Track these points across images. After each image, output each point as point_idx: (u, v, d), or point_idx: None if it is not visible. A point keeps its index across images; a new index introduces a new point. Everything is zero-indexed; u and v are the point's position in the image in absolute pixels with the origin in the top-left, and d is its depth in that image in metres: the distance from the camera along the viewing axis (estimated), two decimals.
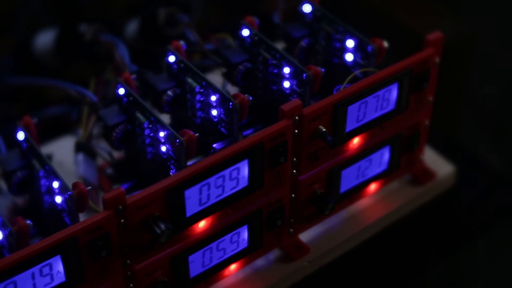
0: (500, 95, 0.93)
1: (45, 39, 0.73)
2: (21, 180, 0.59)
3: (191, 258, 0.57)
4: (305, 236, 0.64)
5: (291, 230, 0.63)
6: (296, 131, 0.58)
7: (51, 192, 0.57)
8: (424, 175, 0.69)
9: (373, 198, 0.67)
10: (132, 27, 0.75)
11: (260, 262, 0.62)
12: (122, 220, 0.52)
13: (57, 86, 0.66)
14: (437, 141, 0.71)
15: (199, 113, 0.63)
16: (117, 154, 0.67)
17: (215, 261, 0.59)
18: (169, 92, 0.64)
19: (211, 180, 0.55)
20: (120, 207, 0.52)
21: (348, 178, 0.63)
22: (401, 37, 0.66)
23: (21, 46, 0.74)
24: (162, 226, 0.53)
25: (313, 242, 0.63)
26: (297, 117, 0.57)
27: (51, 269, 0.51)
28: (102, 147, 0.67)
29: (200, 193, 0.55)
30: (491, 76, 0.88)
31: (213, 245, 0.58)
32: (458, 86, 0.86)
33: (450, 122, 0.83)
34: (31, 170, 0.59)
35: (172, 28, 0.73)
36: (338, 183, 0.63)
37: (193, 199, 0.55)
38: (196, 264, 0.58)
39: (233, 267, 0.61)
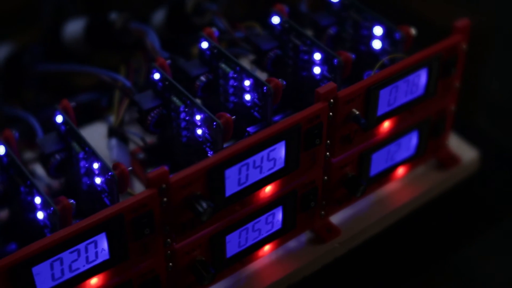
0: None
1: (74, 27, 0.74)
2: (59, 162, 0.60)
3: (228, 238, 0.58)
4: (335, 219, 0.65)
5: (323, 212, 0.64)
6: (330, 113, 0.59)
7: (91, 174, 0.58)
8: (449, 160, 0.71)
9: (400, 182, 0.68)
10: (159, 16, 0.76)
11: (292, 243, 0.64)
12: (165, 199, 0.54)
13: (90, 72, 0.67)
14: (460, 126, 0.73)
15: (232, 98, 0.64)
16: (148, 139, 0.69)
17: (250, 242, 0.60)
18: (202, 78, 0.65)
19: (250, 160, 0.56)
20: (164, 185, 0.53)
21: (378, 162, 0.65)
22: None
23: (49, 35, 0.75)
24: (204, 205, 0.54)
25: (344, 224, 0.65)
26: (332, 100, 0.59)
27: (96, 246, 0.52)
28: (134, 132, 0.69)
29: (240, 173, 0.56)
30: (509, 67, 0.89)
31: (249, 225, 0.59)
32: (474, 76, 0.87)
33: (467, 111, 0.84)
34: (69, 152, 0.61)
35: (199, 17, 0.74)
36: (368, 166, 0.64)
37: (232, 179, 0.56)
38: (233, 244, 0.59)
39: (267, 248, 0.62)
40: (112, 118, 0.69)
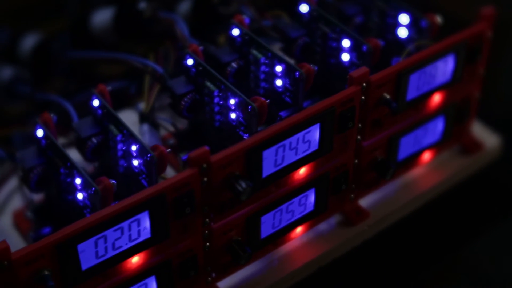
0: None
1: (103, 17, 0.75)
2: (96, 146, 0.61)
3: (263, 218, 0.60)
4: (364, 202, 0.67)
5: (352, 195, 0.65)
6: (363, 97, 0.60)
7: (128, 156, 0.59)
8: (472, 146, 0.72)
9: (426, 167, 0.70)
10: (184, 6, 0.78)
11: (322, 226, 0.65)
12: (205, 179, 0.55)
13: (122, 59, 0.69)
14: (483, 113, 0.74)
15: (262, 84, 0.65)
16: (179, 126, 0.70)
17: (284, 223, 0.61)
18: (233, 64, 0.66)
19: (287, 142, 0.57)
20: (204, 165, 0.54)
21: (406, 146, 0.66)
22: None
23: (77, 25, 0.76)
24: (244, 184, 0.55)
25: (372, 207, 0.66)
26: (364, 84, 0.60)
27: (139, 224, 0.53)
28: (164, 118, 0.70)
29: (276, 154, 0.57)
30: None
31: (283, 206, 0.60)
32: (496, 63, 0.88)
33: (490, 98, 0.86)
34: (105, 136, 0.62)
35: (225, 7, 0.75)
36: (397, 150, 0.66)
37: (269, 160, 0.57)
38: (267, 225, 0.61)
39: (298, 230, 0.63)
40: (142, 105, 0.70)
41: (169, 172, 0.69)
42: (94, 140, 0.61)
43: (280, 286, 0.63)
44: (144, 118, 0.69)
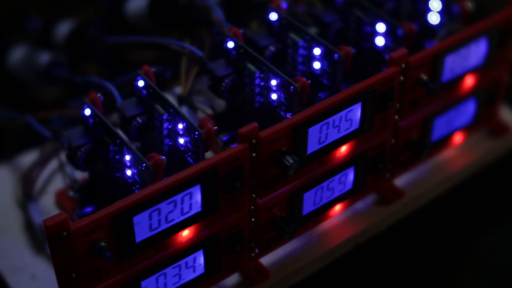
0: None
1: (138, 3, 0.77)
2: (141, 125, 0.62)
3: (306, 195, 0.61)
4: (398, 182, 0.68)
5: (388, 175, 0.67)
6: (401, 78, 0.62)
7: (174, 134, 0.61)
8: (500, 129, 0.74)
9: (457, 148, 0.72)
10: None
11: (359, 205, 0.67)
12: (254, 154, 0.56)
13: (161, 43, 0.70)
14: (510, 96, 0.76)
15: (300, 67, 0.67)
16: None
17: (324, 200, 0.63)
18: (271, 48, 0.68)
19: (331, 119, 0.59)
20: (254, 141, 0.56)
21: (440, 127, 0.68)
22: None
23: (112, 11, 0.78)
24: (291, 159, 0.57)
25: (407, 187, 0.68)
26: (403, 65, 0.62)
27: (191, 198, 0.55)
28: (202, 101, 0.71)
29: (320, 131, 0.59)
30: None
31: (325, 184, 0.62)
32: None
33: None
34: (149, 115, 0.63)
35: None
36: (431, 131, 0.67)
37: (314, 137, 0.59)
38: (309, 202, 0.62)
39: (337, 208, 0.65)
40: (178, 89, 0.72)
41: (208, 154, 0.71)
42: (139, 119, 0.63)
43: (319, 263, 0.65)
44: (182, 100, 0.70)
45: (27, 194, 0.67)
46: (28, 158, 0.71)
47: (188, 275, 0.58)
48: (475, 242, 0.71)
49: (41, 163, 0.68)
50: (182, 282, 0.58)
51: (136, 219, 0.53)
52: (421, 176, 0.69)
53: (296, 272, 0.63)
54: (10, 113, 0.70)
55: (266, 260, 0.63)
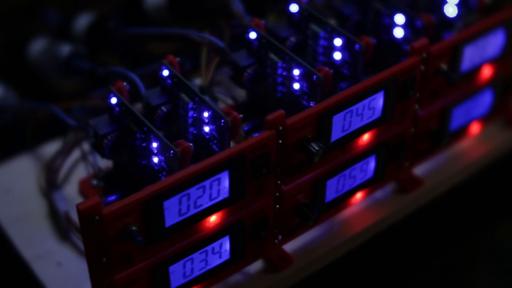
0: None
1: None
2: (165, 114, 0.63)
3: (328, 182, 0.62)
4: (417, 171, 0.69)
5: (407, 164, 0.68)
6: (422, 67, 0.63)
7: (199, 123, 0.61)
8: None
9: (474, 138, 0.73)
10: None
11: (379, 193, 0.68)
12: (280, 141, 0.57)
13: (181, 34, 0.71)
14: None
15: (321, 57, 0.68)
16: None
17: (346, 188, 0.64)
18: (292, 39, 0.69)
19: (354, 108, 0.60)
20: (280, 128, 0.57)
21: (458, 117, 0.69)
22: None
23: (130, 3, 0.79)
24: (316, 146, 0.58)
25: (426, 176, 0.69)
26: (424, 54, 0.63)
27: (219, 183, 0.56)
28: (223, 91, 0.72)
29: (344, 119, 0.60)
30: None
31: (347, 171, 0.63)
32: None
33: None
34: (174, 104, 0.64)
35: None
36: (450, 120, 0.68)
37: (338, 125, 0.60)
38: (331, 189, 0.63)
39: (358, 196, 0.66)
40: (198, 80, 0.72)
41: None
42: (164, 108, 0.63)
43: (340, 250, 0.65)
44: (203, 91, 0.71)
45: (51, 183, 0.68)
46: (51, 148, 0.71)
47: (214, 261, 0.59)
48: (483, 235, 0.72)
49: (64, 152, 0.69)
50: (208, 267, 0.59)
51: (167, 203, 0.54)
52: (439, 166, 0.70)
53: (319, 259, 0.64)
54: (33, 103, 0.71)
55: (289, 247, 0.63)
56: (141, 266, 0.55)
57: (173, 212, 0.55)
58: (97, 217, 0.51)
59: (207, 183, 0.55)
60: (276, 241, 0.62)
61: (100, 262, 0.53)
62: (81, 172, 0.69)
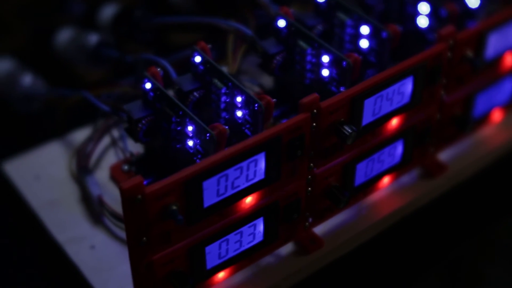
0: None
1: None
2: (198, 99, 0.64)
3: (358, 166, 0.64)
4: (442, 156, 0.71)
5: (433, 149, 0.69)
6: (449, 54, 0.65)
7: (232, 107, 0.63)
8: None
9: (495, 126, 0.74)
10: None
11: (405, 178, 0.69)
12: (314, 124, 0.59)
13: (211, 23, 0.72)
14: None
15: (347, 45, 0.69)
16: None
17: (374, 172, 0.65)
18: (319, 27, 0.70)
19: (384, 92, 0.61)
20: (315, 110, 0.58)
21: (481, 104, 0.71)
22: None
23: None
24: (349, 129, 0.59)
25: (450, 161, 0.71)
26: (451, 41, 0.64)
27: (256, 165, 0.57)
28: (249, 79, 0.73)
29: (375, 103, 0.61)
30: None
31: (376, 156, 0.64)
32: None
33: None
34: (206, 90, 0.65)
35: None
36: (473, 106, 0.70)
37: (369, 108, 0.61)
38: (361, 173, 0.64)
39: (385, 180, 0.67)
40: (225, 68, 0.73)
41: None
42: (196, 94, 0.65)
43: (368, 234, 0.67)
44: None
45: (82, 168, 0.69)
46: (80, 135, 0.72)
47: (248, 242, 0.60)
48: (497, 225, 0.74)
49: (94, 138, 0.70)
50: (242, 249, 0.60)
51: (206, 184, 0.55)
52: (462, 152, 0.71)
53: (347, 242, 0.65)
54: (63, 91, 0.72)
55: (318, 230, 0.65)
56: (179, 246, 0.56)
57: (211, 192, 0.56)
58: (139, 196, 0.52)
59: (244, 164, 0.56)
60: (307, 223, 0.64)
61: (140, 241, 0.54)
62: (111, 158, 0.70)
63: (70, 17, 0.82)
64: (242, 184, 0.57)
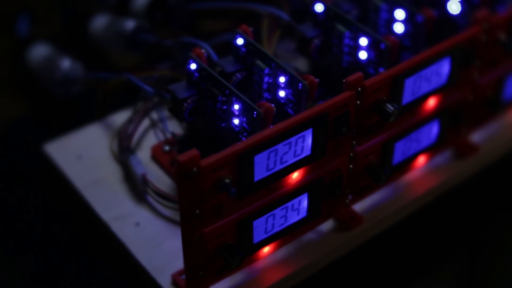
0: None
1: None
2: (240, 80, 0.66)
3: (397, 145, 0.65)
4: (474, 138, 0.73)
5: (464, 131, 0.71)
6: (484, 37, 0.67)
7: (275, 88, 0.64)
8: None
9: None
10: None
11: (438, 159, 0.71)
12: (358, 102, 0.61)
13: (248, 8, 0.74)
14: None
15: (381, 30, 0.71)
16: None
17: (411, 151, 0.67)
18: (353, 12, 0.72)
19: (423, 72, 0.63)
20: (359, 89, 0.60)
21: (510, 86, 0.73)
22: None
23: None
24: (392, 107, 0.61)
25: (481, 142, 0.73)
26: (485, 24, 0.66)
27: (303, 141, 0.59)
28: (285, 63, 0.75)
29: (415, 83, 0.63)
30: None
31: (414, 135, 0.66)
32: None
33: None
34: (248, 71, 0.67)
35: None
36: (504, 88, 0.72)
37: (409, 88, 0.63)
38: (399, 152, 0.66)
39: (421, 160, 0.69)
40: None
41: None
42: (239, 75, 0.67)
43: (404, 212, 0.69)
44: None
45: (124, 148, 0.70)
46: (120, 117, 0.74)
47: (293, 218, 0.62)
48: None
49: (136, 119, 0.72)
50: (286, 224, 0.62)
51: (257, 158, 0.57)
52: (493, 133, 0.73)
53: (385, 219, 0.67)
54: (104, 74, 0.73)
55: (357, 207, 0.67)
56: (229, 220, 0.58)
57: (261, 167, 0.57)
58: (194, 169, 0.54)
59: (293, 139, 0.58)
60: (347, 201, 0.65)
61: (193, 214, 0.56)
62: (151, 140, 0.72)
63: (103, 5, 0.84)
64: (290, 160, 0.59)
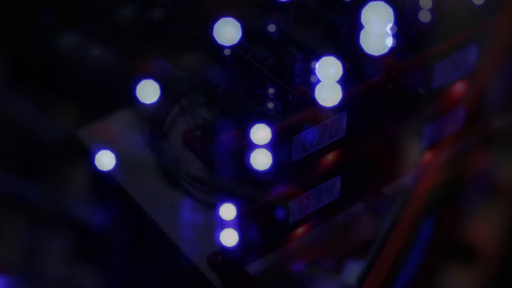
0: None
1: None
2: (272, 66, 0.68)
3: (425, 129, 0.67)
4: None
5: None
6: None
7: (306, 73, 0.66)
8: None
9: None
10: None
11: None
12: (391, 85, 0.62)
13: None
14: None
15: (408, 18, 0.73)
16: None
17: (438, 137, 0.69)
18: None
19: (452, 57, 0.65)
20: (392, 73, 0.62)
21: None
22: None
23: None
24: (423, 90, 0.63)
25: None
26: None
27: (339, 122, 0.60)
28: None
29: (444, 67, 0.65)
30: None
31: (440, 120, 0.68)
32: None
33: None
34: (278, 57, 0.68)
35: None
36: None
37: (439, 72, 0.65)
38: (426, 137, 0.68)
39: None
40: None
41: None
42: (271, 61, 0.68)
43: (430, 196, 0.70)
44: None
45: (156, 133, 0.71)
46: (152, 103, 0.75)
47: (326, 199, 0.64)
48: None
49: (167, 104, 0.73)
50: (320, 205, 0.63)
51: (295, 138, 0.58)
52: None
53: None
54: (133, 61, 0.75)
55: (387, 190, 0.68)
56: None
57: (299, 147, 0.59)
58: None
59: (329, 121, 0.60)
60: (377, 184, 0.67)
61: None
62: (182, 125, 0.73)
63: None
64: (326, 141, 0.61)
